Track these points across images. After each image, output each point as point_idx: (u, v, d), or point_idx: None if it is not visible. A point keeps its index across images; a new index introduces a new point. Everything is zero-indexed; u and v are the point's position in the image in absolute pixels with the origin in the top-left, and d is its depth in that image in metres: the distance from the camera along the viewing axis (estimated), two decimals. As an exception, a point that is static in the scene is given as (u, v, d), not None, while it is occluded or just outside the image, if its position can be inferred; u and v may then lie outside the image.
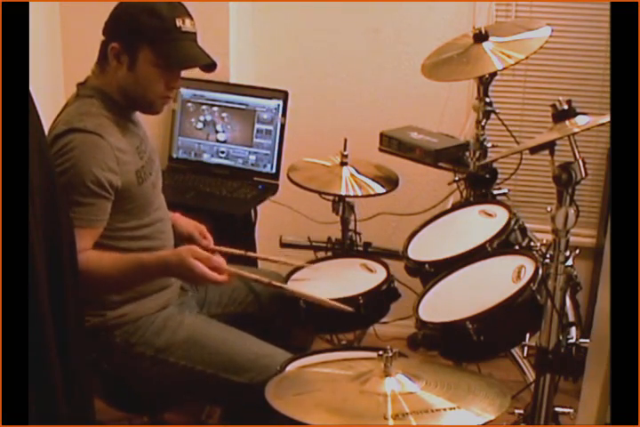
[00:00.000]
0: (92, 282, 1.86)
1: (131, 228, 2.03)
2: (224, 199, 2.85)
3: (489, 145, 2.61)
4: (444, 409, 1.45)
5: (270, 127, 2.96)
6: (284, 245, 2.80)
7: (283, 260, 2.37)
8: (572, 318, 2.30)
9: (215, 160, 3.04)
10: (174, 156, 3.09)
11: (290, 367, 1.90)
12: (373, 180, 2.55)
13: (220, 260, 1.91)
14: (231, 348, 2.06)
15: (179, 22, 1.97)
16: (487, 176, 2.59)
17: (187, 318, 2.13)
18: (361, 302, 2.13)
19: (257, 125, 2.97)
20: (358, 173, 2.55)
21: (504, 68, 2.43)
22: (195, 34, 2.03)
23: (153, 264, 1.94)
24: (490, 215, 2.30)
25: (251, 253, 2.46)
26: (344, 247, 2.66)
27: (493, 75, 2.52)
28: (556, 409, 2.05)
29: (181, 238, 2.35)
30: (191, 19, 2.01)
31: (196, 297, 2.28)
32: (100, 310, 2.03)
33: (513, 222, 2.19)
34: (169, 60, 1.98)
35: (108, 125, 1.98)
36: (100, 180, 1.91)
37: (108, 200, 1.94)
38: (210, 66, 2.07)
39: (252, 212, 2.97)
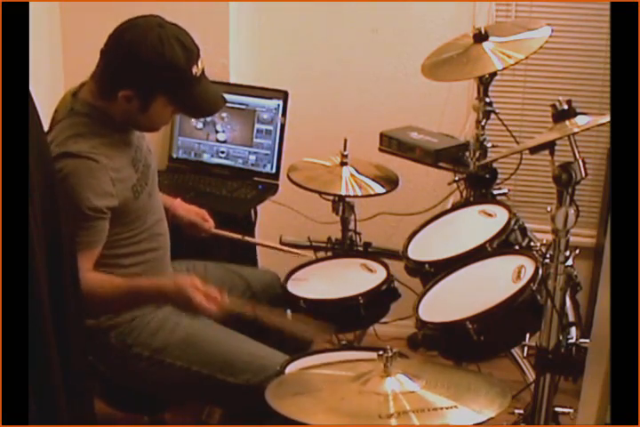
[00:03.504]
0: (89, 304, 1.84)
1: (128, 236, 2.03)
2: (224, 199, 2.85)
3: (489, 145, 2.61)
4: (445, 408, 1.45)
5: (270, 127, 2.96)
6: (284, 245, 2.80)
7: (280, 247, 2.37)
8: (572, 318, 2.29)
9: (215, 160, 3.04)
10: (174, 156, 3.09)
11: (290, 368, 1.91)
12: (373, 180, 2.55)
13: (216, 292, 1.93)
14: (227, 349, 2.06)
15: (194, 70, 1.94)
16: (487, 176, 2.58)
17: (183, 319, 2.12)
18: (361, 302, 2.13)
19: (257, 125, 2.97)
20: (358, 173, 2.55)
21: (504, 68, 2.43)
22: (204, 72, 2.00)
23: (151, 292, 1.98)
24: (490, 215, 2.30)
25: (248, 238, 2.47)
26: (344, 247, 2.66)
27: (493, 75, 2.52)
28: (556, 409, 2.05)
29: (183, 225, 2.35)
30: (200, 56, 1.98)
31: None
32: None
33: (513, 222, 2.19)
34: (184, 109, 2.02)
35: (101, 146, 1.95)
36: (97, 206, 1.90)
37: (105, 220, 1.94)
38: None
39: (252, 212, 2.97)
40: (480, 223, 2.28)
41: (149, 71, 1.91)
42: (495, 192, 2.60)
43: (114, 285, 1.96)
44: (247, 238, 2.46)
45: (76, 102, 2.00)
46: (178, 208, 2.35)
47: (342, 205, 2.61)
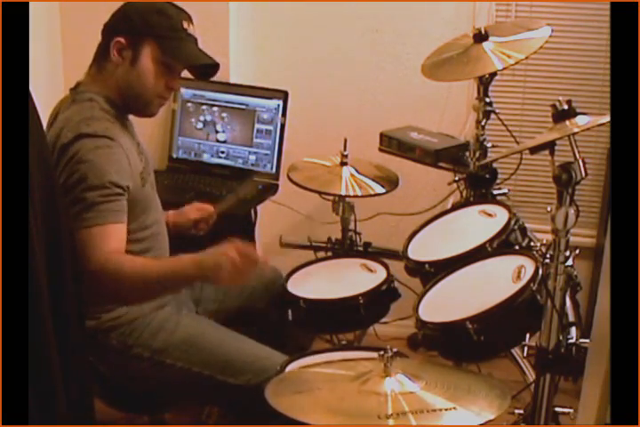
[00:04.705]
0: (124, 285, 1.85)
1: (131, 230, 2.02)
2: (224, 199, 2.85)
3: (489, 145, 2.61)
4: (444, 409, 1.45)
5: (270, 127, 2.96)
6: (284, 245, 2.80)
7: None
8: (572, 318, 2.30)
9: (215, 160, 3.04)
10: (174, 156, 3.09)
11: (290, 367, 1.91)
12: (373, 180, 2.55)
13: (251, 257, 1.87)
14: (228, 350, 2.06)
15: (185, 24, 2.01)
16: (487, 176, 2.58)
17: (184, 320, 2.12)
18: (361, 302, 2.13)
19: (257, 125, 2.97)
20: (358, 173, 2.55)
21: (504, 68, 2.43)
22: (197, 39, 2.05)
23: (189, 259, 1.90)
24: (490, 215, 2.30)
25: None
26: (344, 247, 2.66)
27: (493, 75, 2.52)
28: (556, 409, 2.04)
29: (190, 228, 2.35)
30: (193, 25, 2.05)
31: (190, 295, 2.28)
32: (96, 312, 2.03)
33: (513, 222, 2.18)
34: (174, 56, 2.00)
35: (113, 128, 1.97)
36: (118, 181, 1.90)
37: (124, 198, 1.94)
38: (208, 73, 2.09)
39: (252, 212, 2.97)
40: (480, 223, 2.28)
41: (141, 15, 1.99)
42: (495, 192, 2.60)
43: (148, 259, 1.92)
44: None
45: (77, 93, 2.03)
46: (174, 218, 2.34)
47: (342, 205, 2.61)
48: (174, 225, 2.31)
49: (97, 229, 1.86)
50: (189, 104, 3.03)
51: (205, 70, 2.10)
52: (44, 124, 1.93)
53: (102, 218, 1.86)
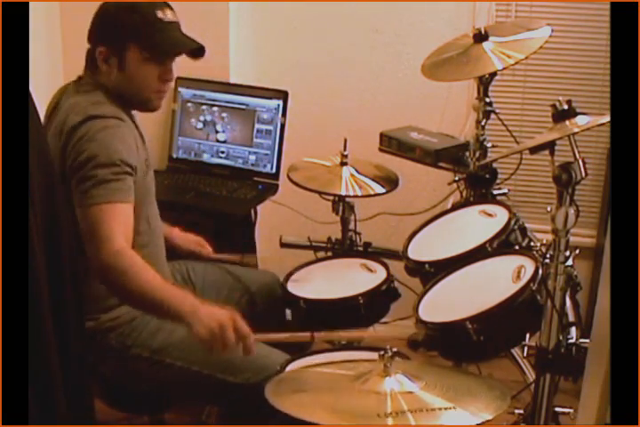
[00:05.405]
0: (125, 285, 1.84)
1: None
2: (224, 199, 2.85)
3: (489, 145, 2.61)
4: (443, 409, 1.45)
5: (270, 127, 2.96)
6: (283, 245, 2.79)
7: None
8: (572, 318, 2.29)
9: (215, 160, 3.04)
10: (174, 156, 3.09)
11: (290, 367, 1.91)
12: (373, 180, 2.55)
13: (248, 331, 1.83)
14: None
15: (160, 14, 1.99)
16: (487, 176, 2.58)
17: None
18: (361, 302, 2.13)
19: (257, 125, 2.97)
20: (358, 173, 2.55)
21: (504, 68, 2.43)
22: (178, 23, 2.04)
23: (190, 300, 1.85)
24: (490, 215, 2.30)
25: (247, 259, 2.47)
26: (344, 247, 2.66)
27: (493, 75, 2.52)
28: (556, 409, 2.04)
29: (182, 254, 2.35)
30: (171, 9, 2.02)
31: None
32: (95, 313, 2.02)
33: (513, 222, 2.18)
34: (157, 50, 1.99)
35: (121, 112, 1.99)
36: (127, 159, 1.91)
37: (132, 178, 1.93)
38: (197, 51, 2.07)
39: (252, 212, 2.97)
40: (480, 223, 2.28)
41: (113, 18, 1.99)
42: (495, 192, 2.60)
43: (154, 279, 1.85)
44: (247, 260, 2.47)
45: (80, 85, 2.04)
46: (175, 238, 2.35)
47: (342, 205, 2.61)
48: (171, 241, 2.32)
49: (106, 206, 1.86)
50: (189, 104, 3.03)
51: (194, 50, 2.09)
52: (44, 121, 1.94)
53: (111, 196, 1.87)
